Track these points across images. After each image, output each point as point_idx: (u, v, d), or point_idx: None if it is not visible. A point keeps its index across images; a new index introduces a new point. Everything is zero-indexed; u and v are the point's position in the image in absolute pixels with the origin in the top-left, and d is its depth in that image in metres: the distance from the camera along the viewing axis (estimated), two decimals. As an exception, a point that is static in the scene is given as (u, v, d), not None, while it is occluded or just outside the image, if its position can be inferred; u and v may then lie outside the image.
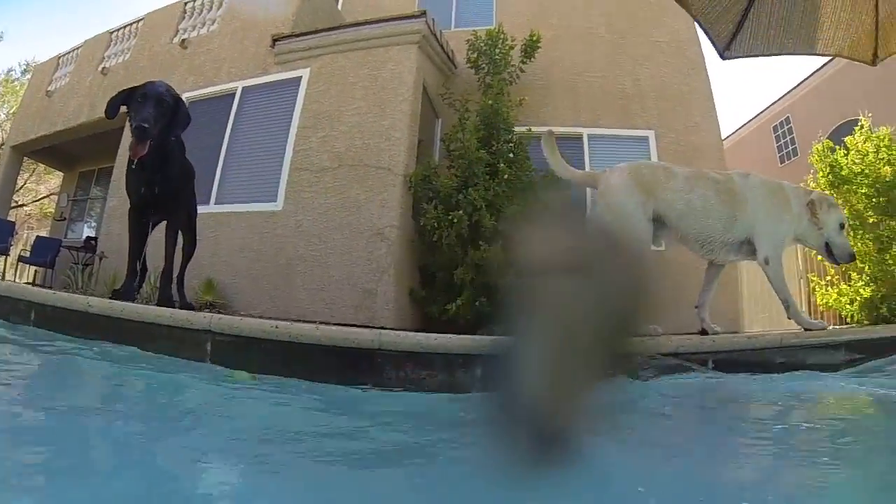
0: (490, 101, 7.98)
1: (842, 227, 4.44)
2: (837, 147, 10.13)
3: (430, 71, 8.93)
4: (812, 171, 10.36)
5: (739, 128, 22.87)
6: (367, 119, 7.92)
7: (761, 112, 21.54)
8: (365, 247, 7.21)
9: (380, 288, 6.96)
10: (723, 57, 4.51)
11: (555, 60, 9.74)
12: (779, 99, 20.57)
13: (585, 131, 9.45)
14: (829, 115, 16.44)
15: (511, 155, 7.63)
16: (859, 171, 9.51)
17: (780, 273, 4.48)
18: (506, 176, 7.14)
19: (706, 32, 4.46)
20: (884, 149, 9.50)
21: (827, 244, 4.43)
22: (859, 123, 10.22)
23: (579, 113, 9.61)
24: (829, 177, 9.65)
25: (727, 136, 22.68)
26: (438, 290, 7.09)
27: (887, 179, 9.14)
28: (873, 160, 9.46)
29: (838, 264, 4.64)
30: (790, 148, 19.51)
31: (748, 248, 4.55)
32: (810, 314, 10.37)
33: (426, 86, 8.62)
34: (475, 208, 6.81)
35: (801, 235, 4.55)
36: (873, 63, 4.67)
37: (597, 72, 9.92)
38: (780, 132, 20.33)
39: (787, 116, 20.00)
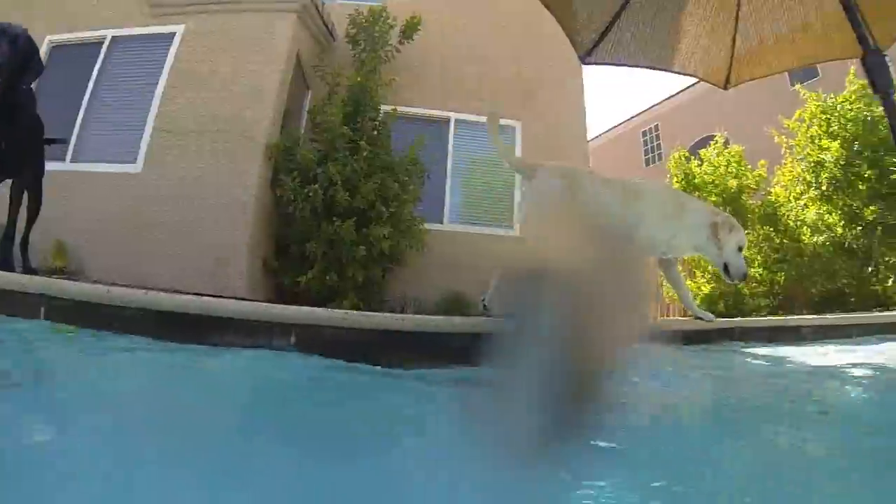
0: (359, 78, 8.05)
1: (740, 249, 4.58)
2: (692, 157, 11.22)
3: (307, 42, 8.84)
4: (669, 175, 11.31)
5: (613, 127, 24.07)
6: (236, 85, 7.74)
7: (634, 116, 22.85)
8: (222, 215, 7.09)
9: (233, 257, 6.92)
10: (583, 62, 4.76)
11: (434, 44, 9.85)
12: (651, 107, 21.89)
13: (453, 115, 9.67)
14: (694, 128, 17.70)
15: (375, 133, 7.74)
16: (710, 181, 10.58)
17: None
18: (365, 153, 7.22)
19: (569, 37, 4.70)
20: (734, 164, 10.65)
21: (725, 263, 4.58)
22: (715, 139, 11.35)
23: (450, 97, 9.79)
24: (683, 182, 10.64)
25: (600, 134, 24.11)
26: (292, 262, 7.15)
27: (733, 191, 10.29)
28: (724, 173, 10.55)
29: (733, 282, 4.90)
30: (656, 153, 20.85)
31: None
32: (657, 307, 11.31)
33: (300, 56, 8.53)
34: (332, 183, 6.88)
35: (701, 250, 4.74)
36: (725, 87, 5.13)
37: (473, 58, 10.14)
38: (648, 137, 21.70)
39: (657, 124, 21.35)
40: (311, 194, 6.80)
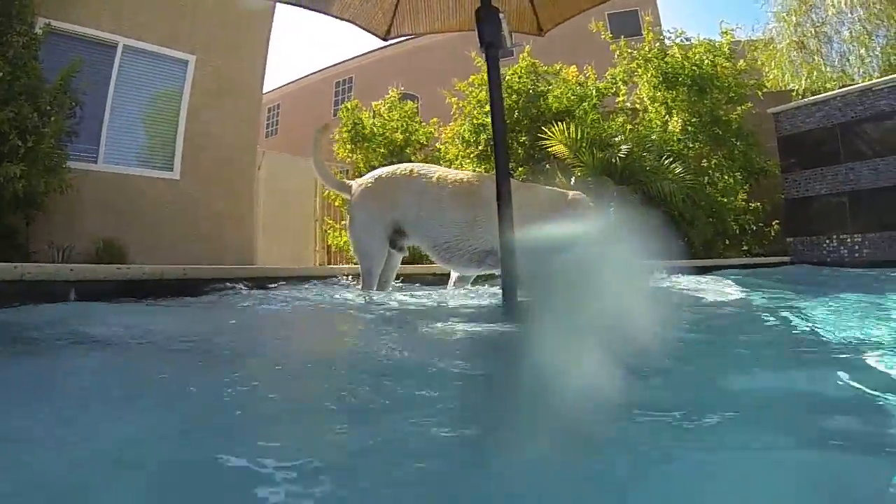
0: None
1: None
2: (365, 109, 11.69)
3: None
4: (341, 123, 11.59)
5: (309, 74, 24.19)
6: None
7: (331, 66, 23.10)
8: None
9: None
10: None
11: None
12: (350, 59, 22.35)
13: (123, 41, 8.35)
14: (388, 83, 18.44)
15: (24, 50, 6.28)
16: (380, 132, 11.10)
17: None
18: (0, 75, 5.86)
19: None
20: (405, 119, 11.37)
21: None
22: (389, 93, 11.92)
23: (121, 19, 8.40)
24: (352, 132, 11.17)
25: (295, 80, 24.11)
26: None
27: (398, 144, 11.07)
28: (395, 127, 11.11)
29: None
30: (340, 105, 21.59)
31: (494, 258, 3.71)
32: (326, 254, 11.73)
33: None
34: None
35: None
36: (384, 38, 5.19)
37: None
38: (341, 88, 22.15)
39: (352, 76, 21.79)
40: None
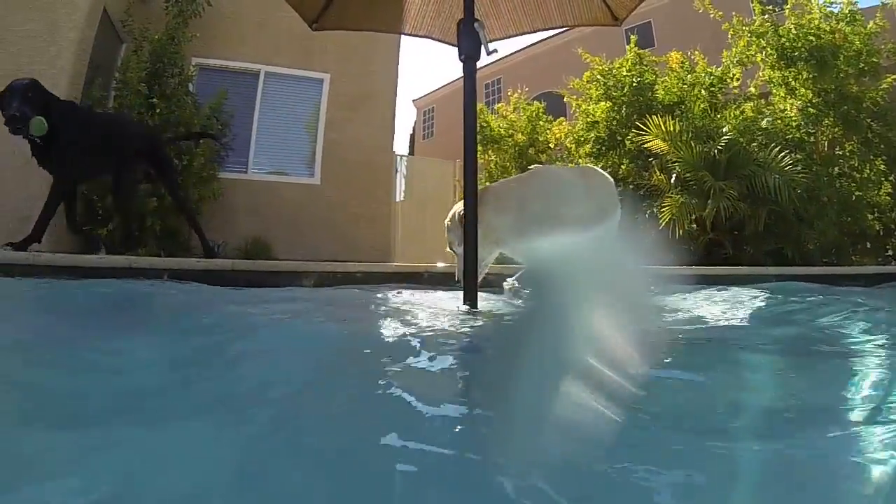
0: (157, 36, 8.12)
1: None
2: (491, 111, 12.26)
3: (113, -7, 8.47)
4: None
5: (459, 78, 24.92)
6: (37, 43, 7.21)
7: (478, 69, 23.77)
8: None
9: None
10: (312, 28, 5.26)
11: (248, -5, 9.95)
12: (496, 61, 23.01)
13: (263, 68, 9.93)
14: (533, 82, 18.86)
15: (178, 87, 7.95)
16: (507, 134, 11.62)
17: None
18: (158, 111, 7.47)
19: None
20: (532, 120, 12.12)
21: None
22: (512, 96, 12.85)
23: (260, 49, 9.94)
24: (479, 135, 11.66)
25: (447, 84, 25.48)
26: (90, 215, 7.12)
27: (522, 145, 11.81)
28: (521, 128, 11.71)
29: None
30: (494, 105, 22.17)
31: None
32: None
33: (109, 10, 8.14)
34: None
35: None
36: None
37: (285, 7, 10.13)
38: (490, 89, 22.91)
39: (500, 77, 22.49)
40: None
